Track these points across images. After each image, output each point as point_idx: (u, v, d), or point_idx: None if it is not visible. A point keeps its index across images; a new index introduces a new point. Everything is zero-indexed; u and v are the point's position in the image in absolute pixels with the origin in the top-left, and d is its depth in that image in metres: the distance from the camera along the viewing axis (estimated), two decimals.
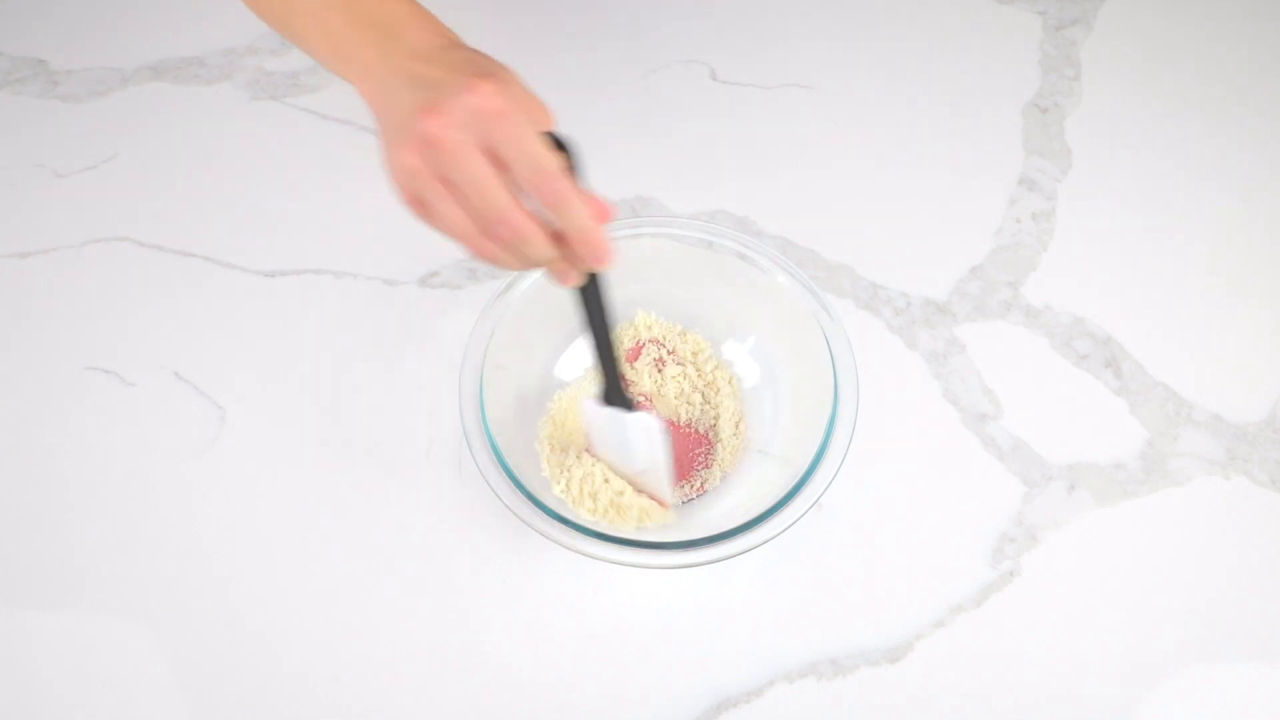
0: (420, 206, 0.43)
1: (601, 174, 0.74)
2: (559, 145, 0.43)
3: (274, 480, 0.61)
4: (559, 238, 0.43)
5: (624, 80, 0.78)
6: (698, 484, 0.59)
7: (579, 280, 0.46)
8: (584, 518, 0.55)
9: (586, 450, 0.58)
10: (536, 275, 0.58)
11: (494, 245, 0.43)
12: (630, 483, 0.56)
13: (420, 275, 0.68)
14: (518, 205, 0.41)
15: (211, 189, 0.72)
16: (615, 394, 0.53)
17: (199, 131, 0.75)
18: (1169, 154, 0.75)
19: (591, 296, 0.48)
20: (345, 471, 0.61)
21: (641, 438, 0.54)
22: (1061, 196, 0.73)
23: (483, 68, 0.41)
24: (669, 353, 0.63)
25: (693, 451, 0.60)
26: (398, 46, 0.44)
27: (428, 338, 0.66)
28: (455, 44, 0.44)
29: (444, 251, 0.69)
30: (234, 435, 0.63)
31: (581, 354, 0.62)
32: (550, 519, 0.51)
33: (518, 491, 0.52)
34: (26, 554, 0.59)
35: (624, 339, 0.63)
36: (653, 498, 0.56)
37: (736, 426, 0.61)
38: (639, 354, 0.63)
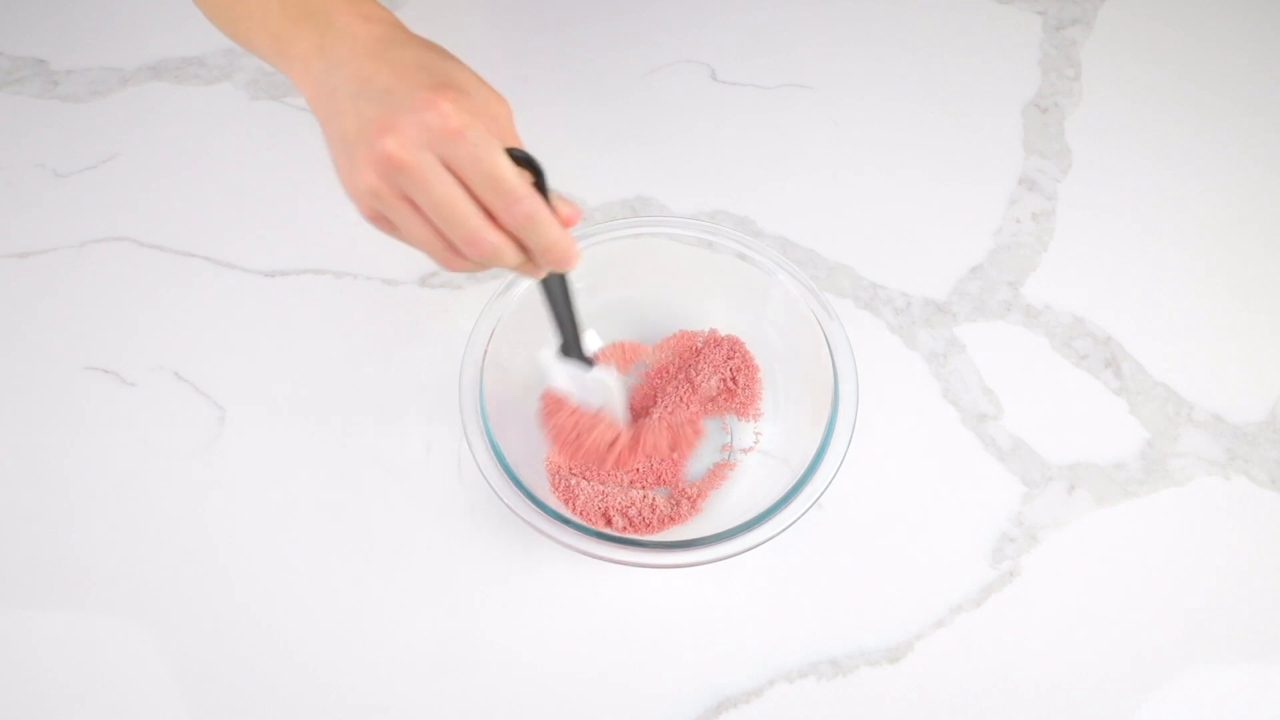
0: (382, 223, 0.42)
1: (601, 174, 0.74)
2: (522, 160, 0.41)
3: (274, 480, 0.61)
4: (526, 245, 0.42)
5: (624, 80, 0.78)
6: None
7: (546, 273, 0.46)
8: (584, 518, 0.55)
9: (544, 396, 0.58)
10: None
11: (462, 261, 0.42)
12: (586, 415, 0.57)
13: (420, 275, 0.68)
14: (487, 224, 0.40)
15: (212, 189, 0.72)
16: (574, 350, 0.53)
17: (199, 131, 0.75)
18: (1169, 154, 0.75)
19: (556, 281, 0.48)
20: (345, 471, 0.61)
21: (597, 389, 0.55)
22: (1061, 196, 0.73)
23: (437, 75, 0.39)
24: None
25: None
26: (335, 38, 0.42)
27: (428, 338, 0.66)
28: (397, 35, 0.42)
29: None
30: (234, 435, 0.63)
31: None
32: (550, 519, 0.51)
33: (518, 491, 0.52)
34: (27, 554, 0.59)
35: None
36: (608, 429, 0.57)
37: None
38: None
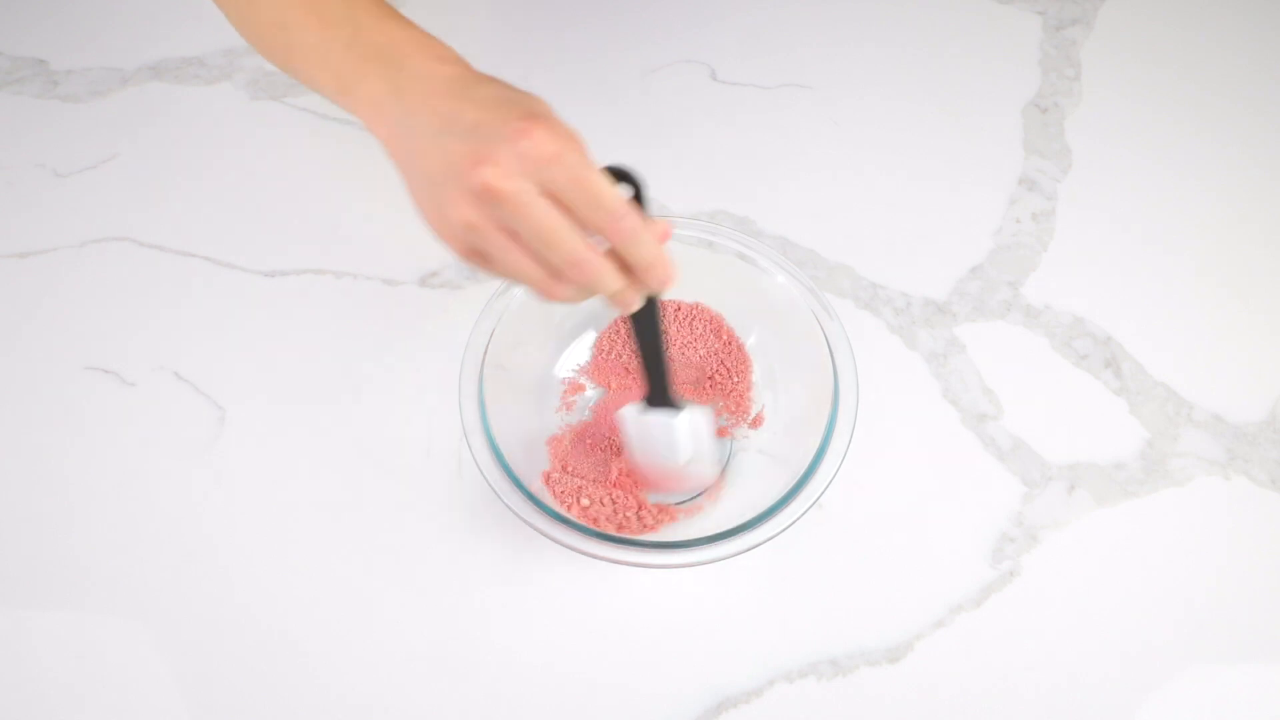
0: (479, 258, 0.41)
1: None
2: (619, 175, 0.41)
3: (274, 480, 0.61)
4: (625, 267, 0.42)
5: (624, 80, 0.78)
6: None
7: (641, 304, 0.45)
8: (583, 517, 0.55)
9: (622, 456, 0.58)
10: None
11: (564, 287, 0.41)
12: (671, 477, 0.56)
13: (420, 275, 0.68)
14: (589, 247, 0.40)
15: (211, 189, 0.72)
16: (661, 397, 0.52)
17: (199, 131, 0.75)
18: (1169, 154, 0.75)
19: (648, 314, 0.47)
20: (345, 471, 0.61)
21: (688, 433, 0.54)
22: (1061, 196, 0.73)
23: (522, 106, 0.39)
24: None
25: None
26: (408, 79, 0.41)
27: (428, 338, 0.66)
28: (472, 75, 0.42)
29: (444, 251, 0.69)
30: (234, 435, 0.63)
31: (580, 352, 0.63)
32: (551, 519, 0.51)
33: (518, 491, 0.52)
34: (27, 554, 0.59)
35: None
36: (695, 481, 0.57)
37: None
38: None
